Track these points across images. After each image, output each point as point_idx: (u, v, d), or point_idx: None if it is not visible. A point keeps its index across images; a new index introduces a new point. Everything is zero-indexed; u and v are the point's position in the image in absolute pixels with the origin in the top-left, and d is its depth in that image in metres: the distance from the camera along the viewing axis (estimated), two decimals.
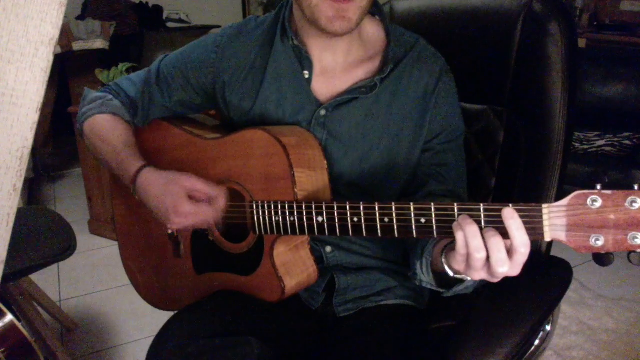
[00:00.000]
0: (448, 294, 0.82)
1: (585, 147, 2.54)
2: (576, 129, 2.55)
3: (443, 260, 0.74)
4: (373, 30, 0.97)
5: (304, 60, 0.95)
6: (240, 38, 0.99)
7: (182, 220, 0.88)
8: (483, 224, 0.66)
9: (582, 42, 3.37)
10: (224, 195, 0.90)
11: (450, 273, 0.74)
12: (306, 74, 0.95)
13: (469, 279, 0.74)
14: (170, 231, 1.02)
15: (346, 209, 0.78)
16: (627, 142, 2.49)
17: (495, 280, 0.68)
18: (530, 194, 1.00)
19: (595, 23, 3.69)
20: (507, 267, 0.64)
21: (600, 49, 3.28)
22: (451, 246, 0.72)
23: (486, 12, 1.07)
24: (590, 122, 2.62)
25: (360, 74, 0.95)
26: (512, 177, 1.04)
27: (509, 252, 0.64)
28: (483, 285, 0.81)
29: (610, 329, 1.92)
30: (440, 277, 0.80)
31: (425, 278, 0.83)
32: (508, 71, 1.03)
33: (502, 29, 1.03)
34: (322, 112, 0.94)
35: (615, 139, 2.51)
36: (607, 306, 2.05)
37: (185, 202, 0.87)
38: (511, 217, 0.63)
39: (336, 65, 0.95)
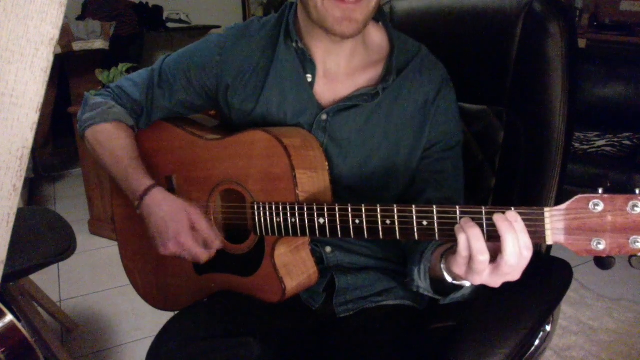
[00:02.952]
0: (445, 302, 0.82)
1: (585, 147, 2.54)
2: (576, 129, 2.55)
3: (442, 265, 0.74)
4: (376, 36, 0.97)
5: (307, 64, 0.95)
6: (243, 40, 0.99)
7: (177, 249, 0.91)
8: (485, 227, 0.66)
9: (582, 42, 3.37)
10: (220, 242, 0.92)
11: (449, 279, 0.74)
12: (309, 77, 0.95)
13: (467, 285, 0.74)
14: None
15: (348, 210, 0.78)
16: (627, 142, 2.49)
17: (496, 286, 0.68)
18: (530, 194, 1.00)
19: (595, 23, 3.69)
20: (512, 273, 0.64)
21: (600, 49, 3.28)
22: (451, 251, 0.72)
23: (486, 12, 1.07)
24: (590, 122, 2.62)
25: (362, 80, 0.95)
26: (512, 177, 1.04)
27: None
28: (484, 289, 0.81)
29: (611, 329, 1.92)
30: (438, 284, 0.80)
31: (423, 284, 0.83)
32: (508, 71, 1.03)
33: (502, 29, 1.03)
34: (324, 117, 0.94)
35: (615, 139, 2.51)
36: (607, 306, 2.05)
37: (188, 233, 0.89)
38: (514, 220, 0.63)
39: (339, 70, 0.95)
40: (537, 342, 0.97)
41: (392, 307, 0.99)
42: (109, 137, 1.01)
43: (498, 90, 1.05)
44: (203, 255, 0.91)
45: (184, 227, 0.89)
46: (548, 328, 0.99)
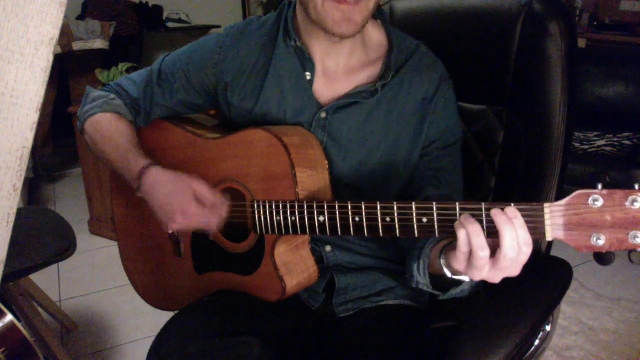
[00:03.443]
0: (444, 297, 0.82)
1: (585, 147, 2.54)
2: (576, 129, 2.55)
3: (441, 261, 0.74)
4: (375, 35, 0.98)
5: (306, 62, 0.95)
6: (243, 39, 0.99)
7: (186, 221, 0.89)
8: (485, 223, 0.66)
9: (582, 42, 3.37)
10: (227, 205, 0.91)
11: (448, 274, 0.74)
12: (308, 75, 0.95)
13: (467, 279, 0.74)
14: (170, 231, 1.01)
15: (348, 208, 0.78)
16: (627, 142, 2.49)
17: (496, 281, 0.68)
18: (530, 194, 1.00)
19: (595, 23, 3.69)
20: (512, 268, 0.64)
21: (600, 49, 3.28)
22: (450, 246, 0.72)
23: (486, 12, 1.07)
24: (590, 122, 2.62)
25: (361, 78, 0.95)
26: (512, 177, 1.04)
27: None
28: (483, 285, 0.81)
29: (610, 329, 1.92)
30: (437, 279, 0.80)
31: (422, 280, 0.83)
32: (508, 71, 1.03)
33: (502, 29, 1.03)
34: (323, 115, 0.94)
35: (615, 139, 2.51)
36: (607, 306, 2.05)
37: (192, 203, 0.88)
38: (513, 216, 0.63)
39: (338, 68, 0.96)
40: (537, 342, 0.97)
41: (392, 307, 0.99)
42: (109, 126, 1.00)
43: (498, 90, 1.06)
44: (215, 220, 0.90)
45: (188, 198, 0.88)
46: (548, 328, 0.99)
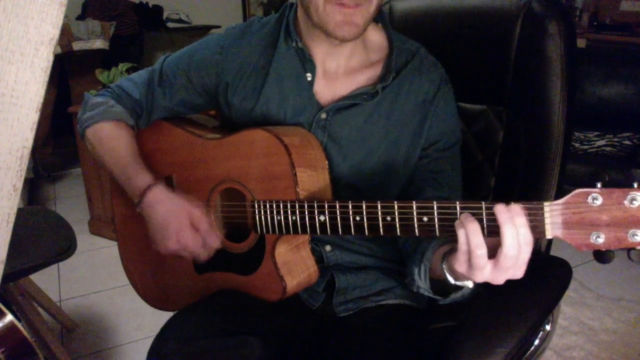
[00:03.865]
0: (445, 302, 0.82)
1: (585, 147, 2.54)
2: (576, 129, 2.55)
3: (443, 265, 0.74)
4: (375, 37, 0.98)
5: (307, 63, 0.95)
6: (244, 39, 1.00)
7: (177, 247, 0.91)
8: (485, 222, 0.66)
9: (582, 42, 3.37)
10: (219, 244, 0.93)
11: (451, 280, 0.74)
12: (309, 76, 0.95)
13: (469, 285, 0.74)
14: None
15: (348, 207, 0.78)
16: (627, 142, 2.49)
17: (499, 283, 0.67)
18: (530, 194, 1.01)
19: (595, 23, 3.69)
20: (514, 268, 0.64)
21: (600, 49, 3.28)
22: (453, 249, 0.72)
23: (486, 12, 1.07)
24: (590, 122, 2.62)
25: (361, 79, 0.95)
26: (512, 177, 1.04)
27: None
28: (483, 286, 0.81)
29: (610, 329, 1.92)
30: (438, 284, 0.80)
31: (423, 284, 0.83)
32: (507, 71, 1.03)
33: (502, 29, 1.03)
34: (323, 116, 0.94)
35: (615, 139, 2.51)
36: (607, 306, 2.05)
37: (188, 232, 0.90)
38: (515, 214, 0.63)
39: (338, 69, 0.96)
40: (536, 341, 0.97)
41: (392, 306, 0.99)
42: (110, 136, 1.01)
43: (498, 90, 1.06)
44: (202, 255, 0.92)
45: (185, 225, 0.90)
46: (548, 327, 0.99)
